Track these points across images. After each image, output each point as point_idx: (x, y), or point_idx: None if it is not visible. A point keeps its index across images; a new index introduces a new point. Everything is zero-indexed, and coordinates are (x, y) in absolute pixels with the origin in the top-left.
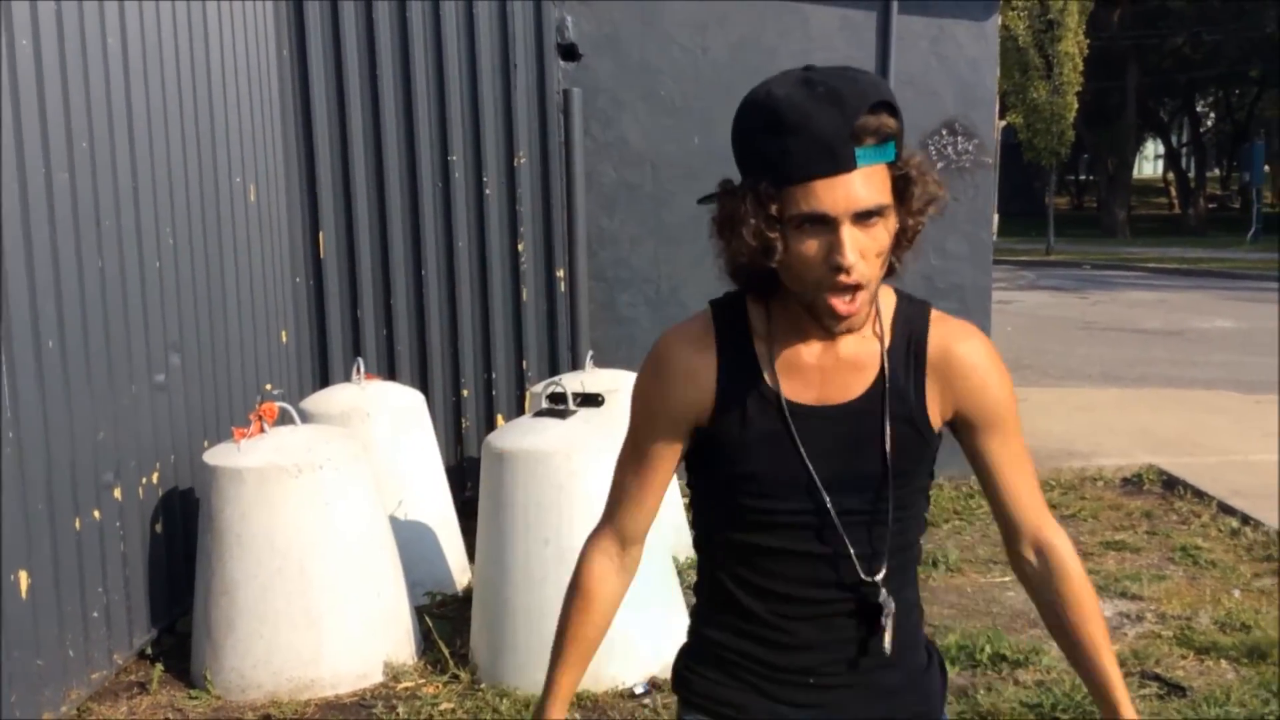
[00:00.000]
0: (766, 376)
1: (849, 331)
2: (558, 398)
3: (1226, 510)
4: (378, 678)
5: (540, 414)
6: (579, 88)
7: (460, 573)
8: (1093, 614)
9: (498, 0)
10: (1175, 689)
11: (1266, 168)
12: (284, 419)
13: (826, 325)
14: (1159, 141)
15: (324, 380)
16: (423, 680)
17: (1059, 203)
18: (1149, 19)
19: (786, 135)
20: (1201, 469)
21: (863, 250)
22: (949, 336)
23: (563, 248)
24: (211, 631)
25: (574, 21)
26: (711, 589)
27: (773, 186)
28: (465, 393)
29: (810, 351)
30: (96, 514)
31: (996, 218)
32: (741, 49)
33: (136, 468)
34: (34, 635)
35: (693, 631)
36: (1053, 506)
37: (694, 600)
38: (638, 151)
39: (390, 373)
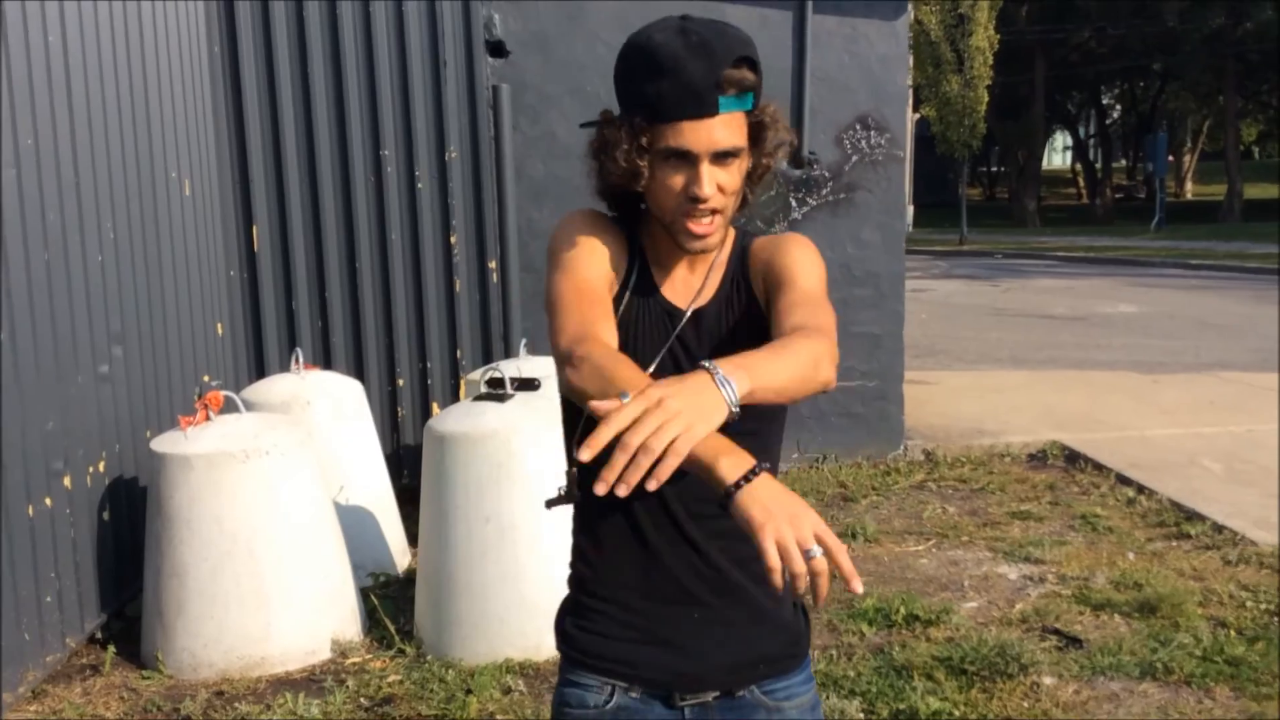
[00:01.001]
0: (654, 284)
1: (703, 251)
2: (496, 382)
3: (1124, 481)
4: (326, 654)
5: (479, 398)
6: (507, 84)
7: (401, 555)
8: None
9: None
10: (1073, 641)
11: (1172, 158)
12: (229, 406)
13: (683, 244)
14: (1067, 133)
15: (260, 371)
16: (370, 655)
17: (972, 194)
18: (1056, 14)
19: (661, 79)
20: (1101, 444)
21: (719, 184)
22: (764, 243)
23: (494, 240)
24: (163, 613)
25: (501, 19)
26: (588, 522)
27: (645, 122)
28: (401, 382)
29: (677, 267)
30: (48, 501)
31: (912, 209)
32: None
33: (84, 456)
34: None
35: (574, 578)
36: (963, 481)
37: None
38: (565, 145)
39: (326, 363)
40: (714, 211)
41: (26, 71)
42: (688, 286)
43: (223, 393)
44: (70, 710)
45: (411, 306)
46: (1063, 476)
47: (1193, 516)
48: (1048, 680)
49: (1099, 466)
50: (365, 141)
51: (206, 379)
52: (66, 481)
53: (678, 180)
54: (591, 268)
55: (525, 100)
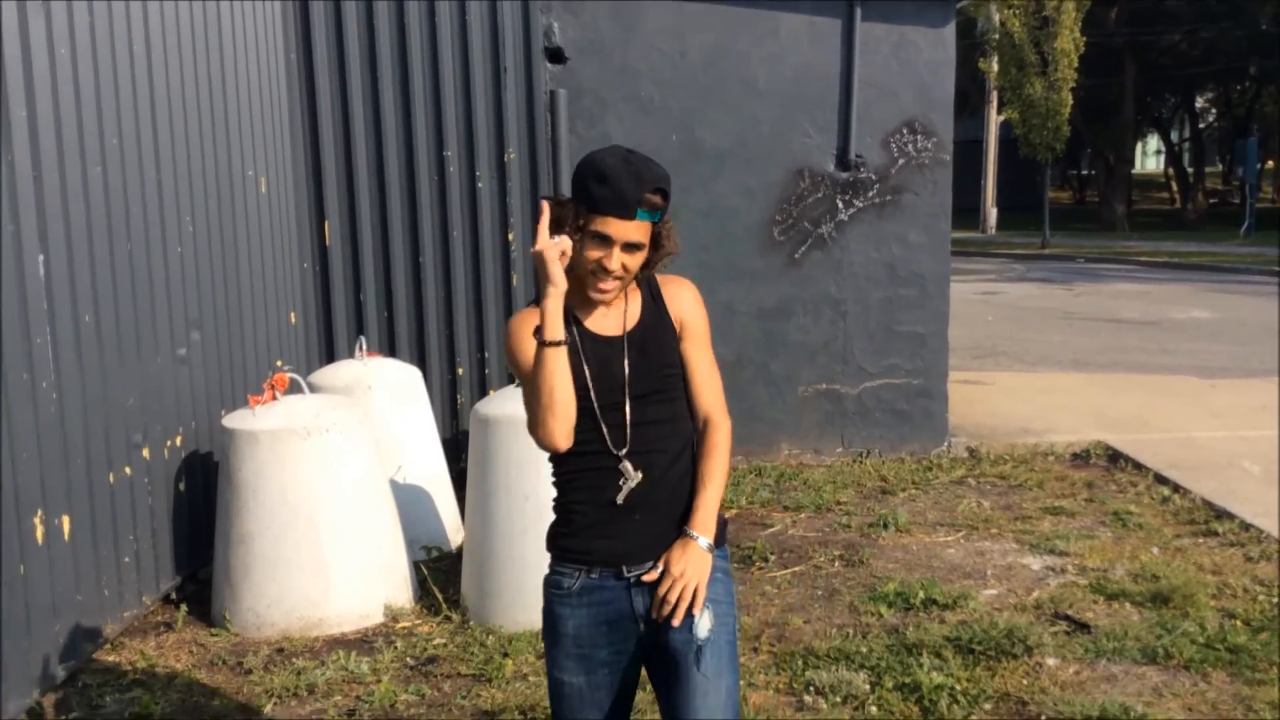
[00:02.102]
0: (574, 319)
1: (603, 303)
2: None
3: (1161, 480)
4: (378, 618)
5: None
6: (565, 89)
7: (454, 532)
8: (713, 458)
9: (489, 4)
10: (1081, 626)
11: (1271, 163)
12: (294, 389)
13: (590, 294)
14: (1160, 137)
15: (330, 357)
16: (419, 621)
17: (1061, 197)
18: (1146, 17)
19: (604, 185)
20: (1145, 445)
21: (624, 264)
22: (669, 286)
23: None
24: (230, 576)
25: (560, 27)
26: (559, 472)
27: (586, 210)
28: (460, 370)
29: (596, 309)
30: (127, 470)
31: (995, 211)
32: (717, 53)
33: (162, 431)
34: (74, 573)
35: (556, 507)
36: (1002, 478)
37: None
38: None
39: (391, 351)
40: (617, 279)
41: (112, 75)
42: (613, 319)
43: (288, 375)
44: (144, 661)
45: (471, 299)
46: (1102, 475)
47: (1222, 515)
48: (1050, 661)
49: (1139, 466)
50: (430, 143)
51: (279, 364)
52: (145, 453)
53: (596, 254)
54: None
55: (582, 104)
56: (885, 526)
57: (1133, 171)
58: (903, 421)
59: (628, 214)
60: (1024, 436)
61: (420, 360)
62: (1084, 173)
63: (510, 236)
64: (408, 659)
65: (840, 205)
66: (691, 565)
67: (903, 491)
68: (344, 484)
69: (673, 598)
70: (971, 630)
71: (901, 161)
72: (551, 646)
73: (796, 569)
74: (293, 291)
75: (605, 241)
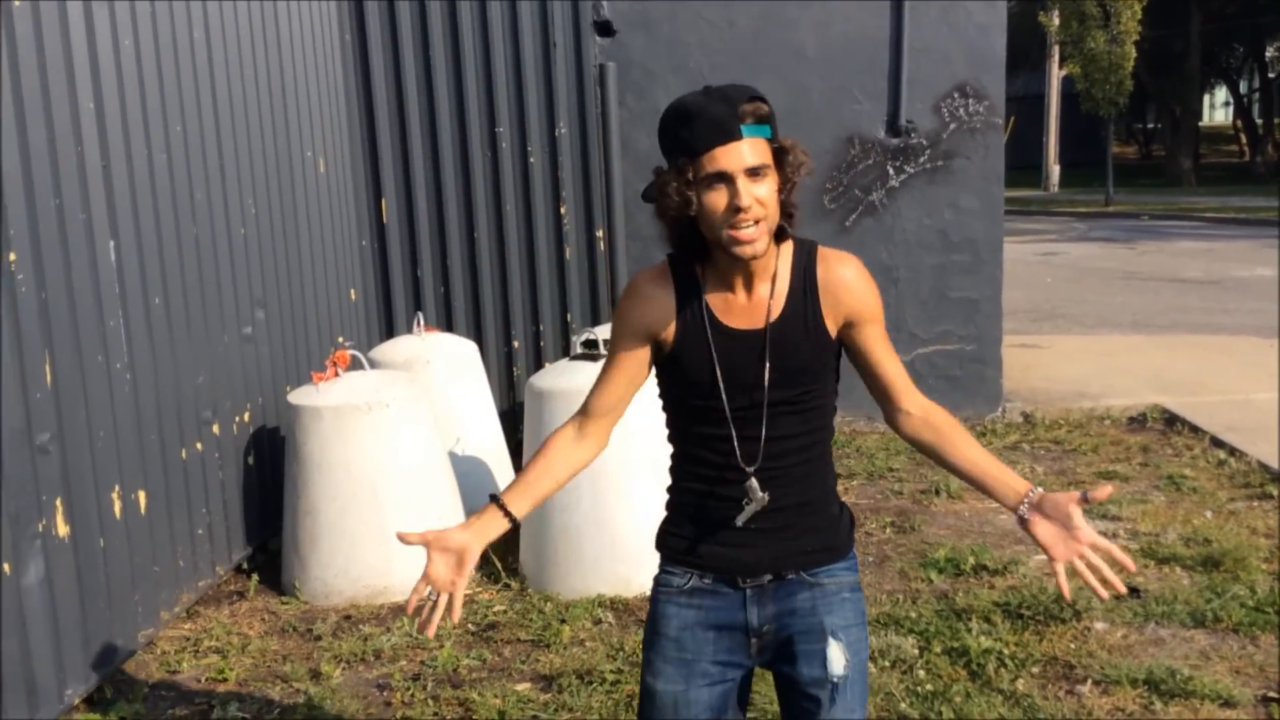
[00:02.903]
0: (706, 307)
1: (753, 257)
2: (590, 344)
3: (1217, 444)
4: None
5: (576, 358)
6: (614, 62)
7: None
8: (964, 436)
9: None
10: (1131, 591)
11: None
12: (355, 365)
13: (733, 253)
14: (1228, 88)
15: (390, 333)
16: (479, 588)
17: (1127, 152)
18: None
19: (692, 123)
20: (1203, 407)
21: (756, 196)
22: (829, 266)
23: (602, 209)
24: (299, 547)
25: (608, 1)
26: (677, 467)
27: (687, 159)
28: (516, 344)
29: (734, 293)
30: (199, 446)
31: (1058, 169)
32: (765, 21)
33: (230, 407)
34: (150, 545)
35: (668, 503)
36: (1056, 443)
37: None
38: None
39: (448, 326)
40: (756, 221)
41: (174, 65)
42: (753, 309)
43: (349, 352)
44: (218, 629)
45: (525, 273)
46: (1158, 439)
47: (1279, 478)
48: (1099, 625)
49: (1195, 429)
50: (482, 120)
51: (341, 340)
52: (215, 429)
53: (721, 199)
54: (622, 342)
55: (631, 77)
56: (937, 493)
57: (1200, 124)
58: (956, 388)
59: (732, 134)
60: (1080, 401)
61: (477, 334)
62: (1150, 126)
63: (562, 210)
64: (469, 625)
65: (891, 172)
66: (1069, 519)
67: None
68: (404, 456)
69: (1093, 560)
70: (1020, 595)
71: (953, 126)
72: (649, 649)
73: None
74: (352, 269)
75: (723, 180)
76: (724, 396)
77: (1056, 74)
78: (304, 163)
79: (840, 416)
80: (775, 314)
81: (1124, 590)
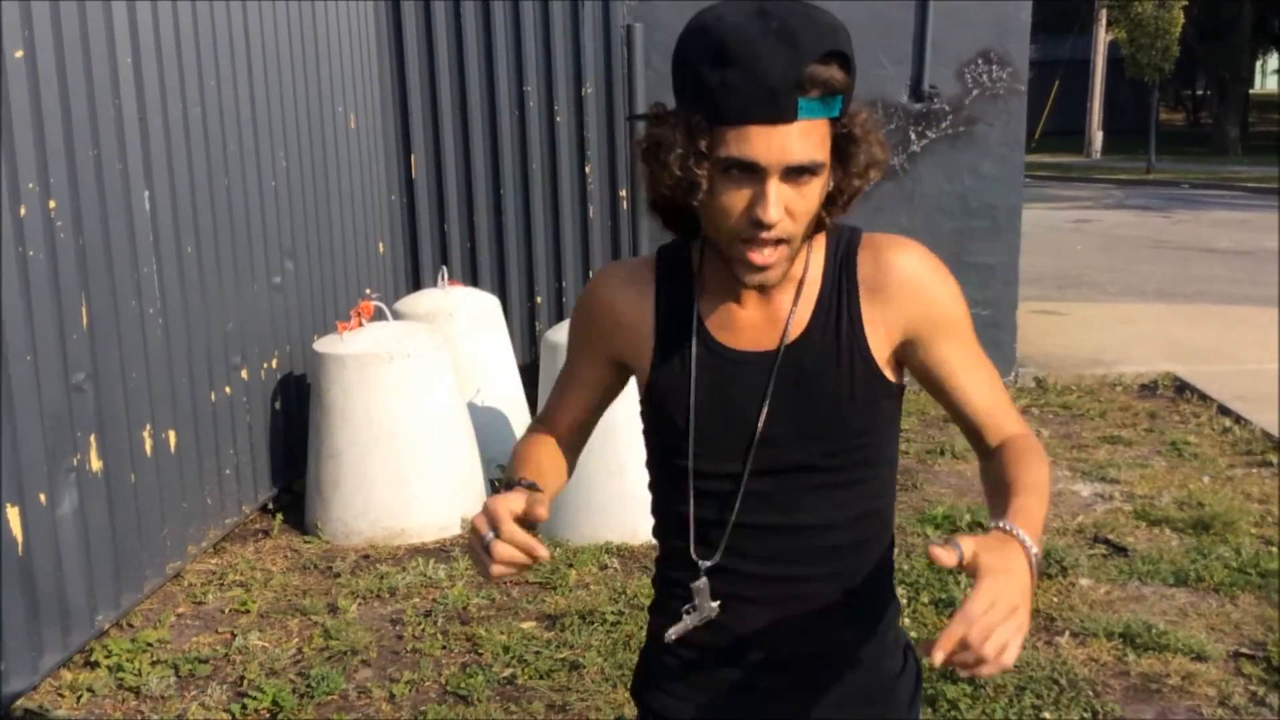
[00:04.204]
0: (698, 317)
1: (762, 287)
2: None
3: (1224, 412)
4: (456, 530)
5: None
6: (641, 23)
7: None
8: (1022, 460)
9: None
10: (1119, 550)
11: None
12: (379, 316)
13: (738, 275)
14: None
15: (416, 285)
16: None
17: (1175, 119)
18: None
19: (730, 68)
20: (1215, 376)
21: (790, 207)
22: (878, 257)
23: (625, 170)
24: (321, 489)
25: None
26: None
27: (706, 121)
28: (539, 299)
29: (741, 300)
30: (227, 390)
31: (1101, 135)
32: None
33: (259, 354)
34: (180, 482)
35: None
36: (1065, 408)
37: None
38: None
39: (474, 281)
40: (779, 241)
41: (210, 21)
42: (770, 322)
43: (373, 303)
44: (243, 564)
45: (549, 230)
46: (1167, 406)
47: None
48: (1084, 582)
49: (1204, 397)
50: (510, 79)
51: (369, 291)
52: (243, 374)
53: (739, 198)
54: (577, 363)
55: (658, 38)
56: (942, 453)
57: (1250, 91)
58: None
59: (784, 113)
60: (1093, 367)
61: (501, 289)
62: (1198, 94)
63: (587, 169)
64: None
65: (913, 137)
66: (1009, 582)
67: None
68: (424, 405)
69: (973, 640)
70: None
71: (976, 92)
72: None
73: None
74: (381, 223)
75: (749, 172)
76: (690, 446)
77: (1103, 38)
78: (335, 118)
79: None
80: (796, 333)
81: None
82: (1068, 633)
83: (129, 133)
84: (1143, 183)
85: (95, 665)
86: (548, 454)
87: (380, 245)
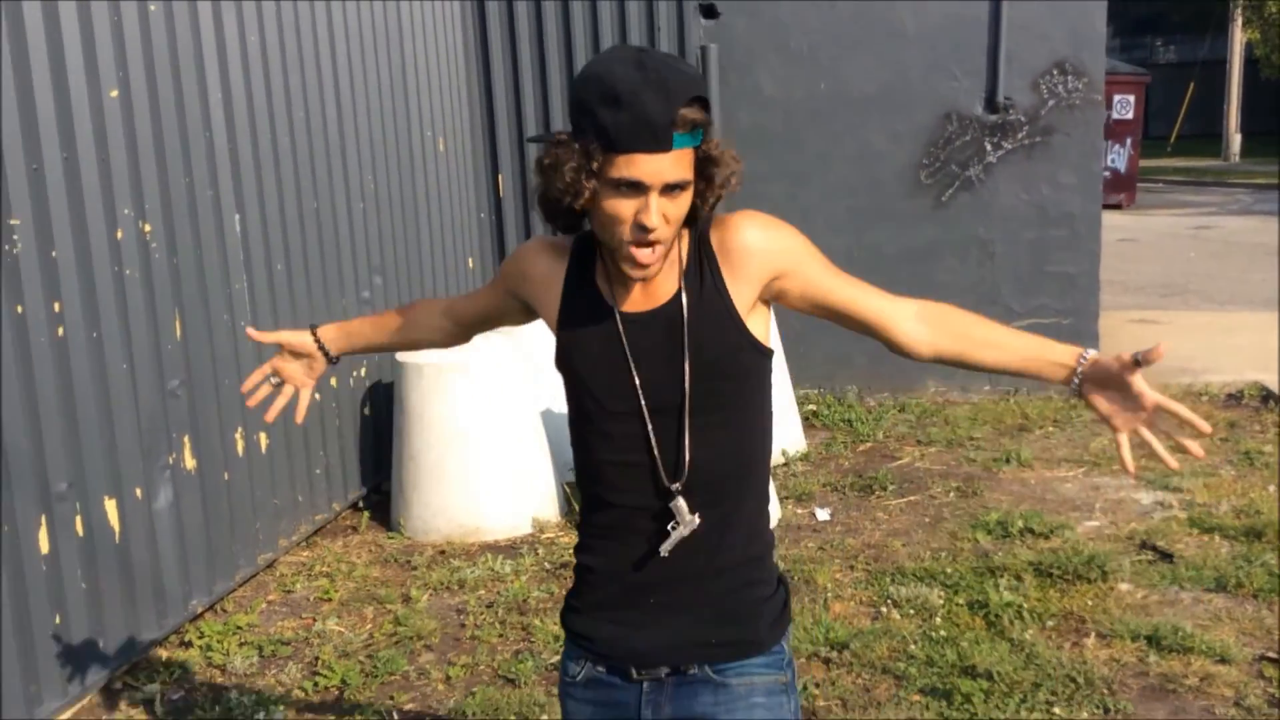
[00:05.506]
0: (604, 293)
1: (643, 279)
2: None
3: None
4: (526, 529)
5: None
6: (716, 43)
7: None
8: (981, 325)
9: None
10: (1165, 556)
11: None
12: None
13: (626, 271)
14: None
15: None
16: (561, 533)
17: None
18: None
19: (621, 110)
20: None
21: (666, 215)
22: (723, 231)
23: None
24: (403, 489)
25: None
26: (583, 511)
27: (601, 149)
28: None
29: (626, 285)
30: (317, 396)
31: (1239, 138)
32: (864, 1)
33: (348, 363)
34: (270, 481)
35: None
36: None
37: None
38: (770, 98)
39: None
40: (656, 241)
41: (298, 55)
42: (650, 291)
43: None
44: (331, 557)
45: None
46: (1249, 416)
47: None
48: (1123, 586)
49: None
50: None
51: None
52: (333, 382)
53: (626, 209)
54: (493, 289)
55: (734, 57)
56: (1008, 461)
57: None
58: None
59: (662, 144)
60: (1180, 376)
61: None
62: None
63: None
64: (545, 563)
65: (989, 147)
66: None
67: (1039, 429)
68: (497, 412)
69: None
70: (1056, 557)
71: (1051, 103)
72: None
73: (911, 498)
74: (470, 239)
75: (635, 189)
76: (641, 395)
77: (1239, 39)
78: (424, 142)
79: (933, 387)
80: (667, 297)
81: (1201, 455)
82: (1094, 634)
83: (220, 162)
84: (1275, 187)
85: (189, 645)
86: (383, 318)
87: (470, 260)
